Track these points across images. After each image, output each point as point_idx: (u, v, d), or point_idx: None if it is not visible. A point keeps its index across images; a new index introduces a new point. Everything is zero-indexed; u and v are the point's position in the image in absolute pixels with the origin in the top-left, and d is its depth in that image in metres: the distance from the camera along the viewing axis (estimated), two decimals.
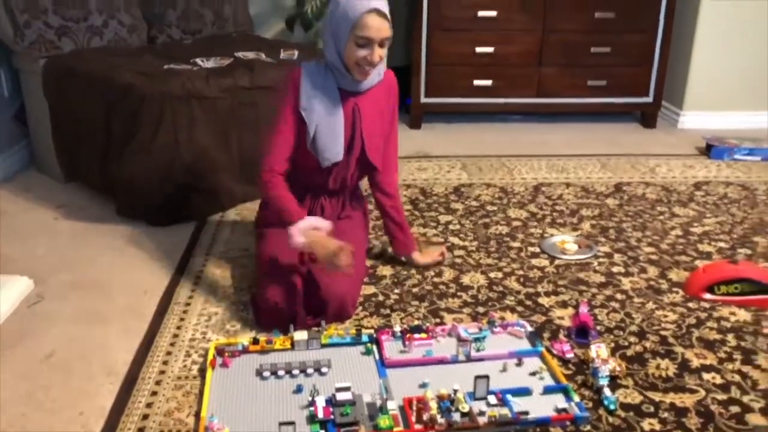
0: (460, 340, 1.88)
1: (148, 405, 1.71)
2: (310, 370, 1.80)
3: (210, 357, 1.84)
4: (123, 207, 2.79)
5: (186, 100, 2.67)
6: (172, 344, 1.97)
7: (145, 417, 1.67)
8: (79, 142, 2.93)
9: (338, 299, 2.03)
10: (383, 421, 1.59)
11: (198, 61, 2.94)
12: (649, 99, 4.09)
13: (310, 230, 1.98)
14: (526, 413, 1.63)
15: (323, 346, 1.91)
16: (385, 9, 1.99)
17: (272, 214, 2.15)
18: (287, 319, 1.97)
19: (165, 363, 1.88)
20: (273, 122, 2.12)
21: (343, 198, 2.31)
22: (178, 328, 2.04)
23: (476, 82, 3.95)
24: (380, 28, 1.97)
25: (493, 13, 3.87)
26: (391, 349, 1.91)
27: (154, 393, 1.76)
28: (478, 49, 3.91)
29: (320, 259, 1.95)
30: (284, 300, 1.98)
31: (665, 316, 2.10)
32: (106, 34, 3.17)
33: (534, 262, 2.45)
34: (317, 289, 2.03)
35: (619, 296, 2.22)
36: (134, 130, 2.65)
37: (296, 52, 3.17)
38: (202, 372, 1.83)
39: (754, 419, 1.65)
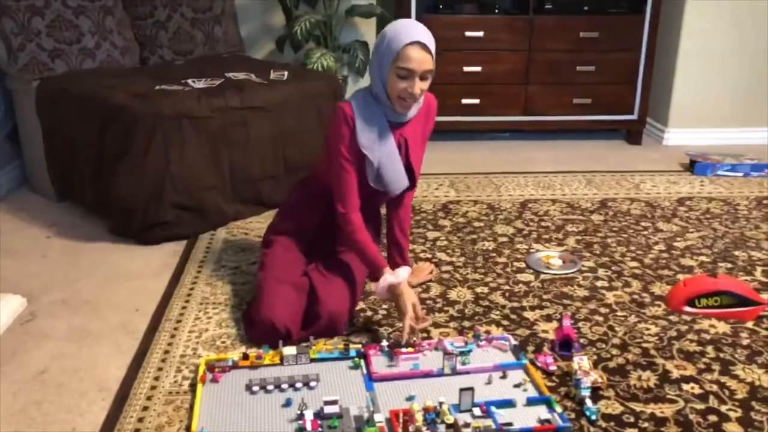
0: (446, 354, 1.92)
1: (140, 420, 1.74)
2: (298, 384, 1.84)
3: (200, 372, 1.87)
4: (115, 225, 2.83)
5: (177, 119, 2.72)
6: (163, 360, 2.00)
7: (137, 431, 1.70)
8: (71, 161, 2.97)
9: (332, 316, 2.07)
10: None
11: (189, 81, 3.00)
12: (634, 116, 4.17)
13: (395, 287, 2.05)
14: (510, 424, 1.67)
15: (312, 360, 1.95)
16: (429, 43, 2.01)
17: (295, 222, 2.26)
18: (280, 338, 2.01)
19: (156, 379, 1.91)
20: (330, 162, 2.13)
21: (378, 222, 2.38)
22: (169, 344, 2.08)
23: (464, 101, 4.02)
24: (422, 60, 1.99)
25: (480, 34, 3.95)
26: (379, 363, 1.94)
27: (146, 408, 1.79)
28: (466, 69, 3.99)
29: (399, 308, 2.05)
30: (283, 323, 2.02)
31: (647, 329, 2.15)
32: (98, 55, 3.22)
33: (519, 277, 2.50)
34: (313, 302, 2.08)
35: (602, 310, 2.27)
36: (126, 150, 2.70)
37: (286, 73, 3.23)
38: (193, 387, 1.86)
39: (731, 428, 1.70)
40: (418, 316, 2.04)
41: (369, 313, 2.24)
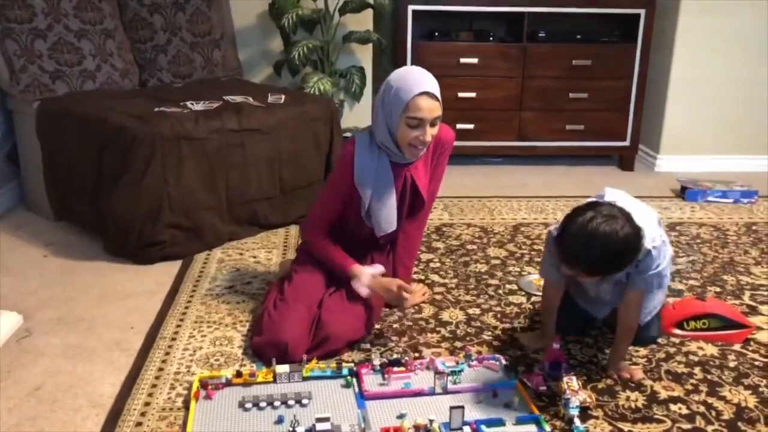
0: (438, 373, 1.94)
1: None
2: (291, 402, 1.86)
3: (194, 389, 1.89)
4: (111, 245, 2.86)
5: (175, 140, 2.76)
6: (157, 377, 2.02)
7: None
8: (70, 181, 3.01)
9: (339, 339, 2.11)
10: None
11: (188, 103, 3.04)
12: (626, 143, 4.23)
13: (371, 280, 2.14)
14: None
15: (304, 378, 1.97)
16: (436, 91, 2.06)
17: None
18: (286, 358, 2.02)
19: (150, 395, 1.93)
20: (321, 190, 2.26)
21: (389, 250, 2.42)
22: (163, 362, 2.10)
23: (459, 126, 4.07)
24: (431, 108, 2.04)
25: (474, 60, 4.02)
26: (371, 382, 1.96)
27: (139, 424, 1.80)
28: (461, 94, 4.05)
29: (389, 301, 2.16)
30: (295, 344, 2.04)
31: (636, 351, 2.17)
32: (98, 77, 3.28)
33: (511, 298, 2.53)
34: (319, 324, 2.12)
35: (592, 332, 2.29)
36: (124, 170, 2.74)
37: (283, 96, 3.28)
38: (186, 404, 1.88)
39: None
40: (408, 291, 2.12)
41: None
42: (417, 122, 2.04)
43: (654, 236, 1.93)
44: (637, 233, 1.81)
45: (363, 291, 2.15)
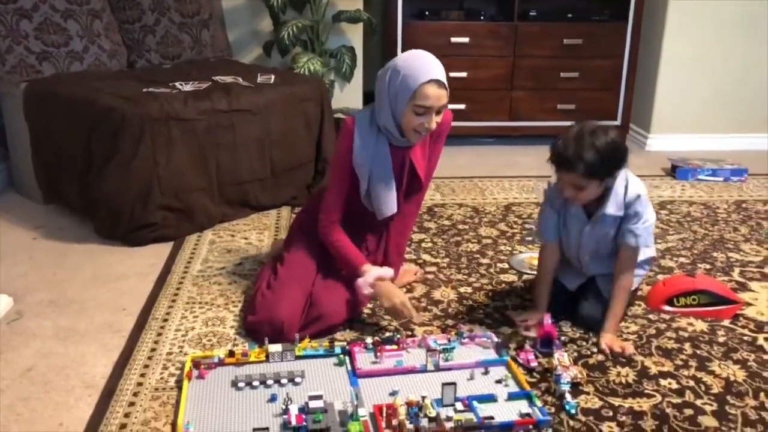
0: (430, 351, 1.95)
1: (126, 415, 1.76)
2: (284, 380, 1.87)
3: (186, 369, 1.89)
4: (101, 227, 2.84)
5: (165, 121, 2.74)
6: (149, 358, 2.02)
7: (123, 426, 1.72)
8: (59, 163, 2.99)
9: (331, 317, 2.11)
10: (354, 427, 1.65)
11: (177, 84, 3.02)
12: (617, 122, 4.23)
13: (376, 281, 2.11)
14: (491, 418, 1.70)
15: (297, 357, 1.98)
16: (444, 78, 2.03)
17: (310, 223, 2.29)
18: (281, 337, 2.03)
19: (142, 376, 1.93)
20: (330, 172, 2.23)
21: (383, 231, 2.38)
22: (156, 342, 2.10)
23: (450, 106, 4.04)
24: (439, 96, 2.02)
25: (465, 40, 4.00)
26: (363, 360, 1.97)
27: (132, 404, 1.81)
28: (452, 74, 3.98)
29: (385, 309, 2.12)
30: (290, 322, 2.05)
31: (627, 327, 2.19)
32: (86, 58, 3.24)
33: (502, 277, 2.54)
34: (311, 304, 2.12)
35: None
36: (114, 152, 2.72)
37: (273, 77, 3.26)
38: (179, 383, 1.88)
39: (707, 421, 1.74)
40: (411, 312, 2.09)
41: None
42: (424, 110, 2.03)
43: (642, 187, 2.10)
44: (621, 140, 2.06)
45: (365, 290, 2.11)
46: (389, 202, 2.21)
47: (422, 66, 2.02)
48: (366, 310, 2.27)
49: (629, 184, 2.08)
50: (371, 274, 2.12)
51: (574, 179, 2.02)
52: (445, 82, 2.04)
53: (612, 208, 2.07)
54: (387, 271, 2.16)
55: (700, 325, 2.20)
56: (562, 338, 2.11)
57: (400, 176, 2.23)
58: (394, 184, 2.20)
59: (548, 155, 2.09)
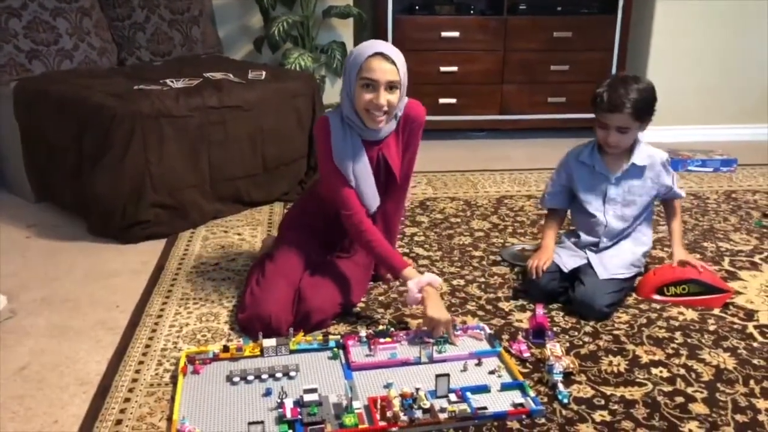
0: (423, 343, 1.96)
1: (122, 411, 1.76)
2: (278, 375, 1.87)
3: (181, 364, 1.90)
4: (94, 225, 2.84)
5: (156, 118, 2.74)
6: (144, 354, 2.02)
7: (119, 422, 1.72)
8: (50, 162, 2.98)
9: (320, 312, 2.12)
10: (348, 419, 1.66)
11: (167, 81, 3.02)
12: None
13: (426, 286, 2.06)
14: (485, 408, 1.72)
15: (292, 352, 1.99)
16: (393, 55, 2.05)
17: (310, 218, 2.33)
18: (272, 332, 2.03)
19: (137, 372, 1.93)
20: (321, 171, 2.24)
21: None
22: (150, 339, 2.10)
23: (441, 101, 4.08)
24: (384, 70, 2.03)
25: (455, 34, 4.01)
26: (357, 353, 1.98)
27: (127, 400, 1.81)
28: (443, 69, 4.04)
29: (428, 319, 2.03)
30: (278, 318, 2.05)
31: (618, 317, 2.21)
32: (76, 57, 3.24)
33: (495, 269, 2.55)
34: (299, 299, 2.13)
35: (560, 298, 2.31)
36: (105, 149, 2.72)
37: (264, 73, 3.26)
38: (174, 379, 1.89)
39: (697, 408, 1.76)
40: (448, 331, 2.05)
41: None
42: (370, 82, 2.04)
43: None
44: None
45: (414, 295, 2.05)
46: (373, 198, 2.22)
47: (371, 44, 2.09)
48: (360, 304, 2.28)
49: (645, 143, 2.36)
50: (423, 278, 2.07)
51: (622, 120, 2.20)
52: (395, 60, 2.05)
53: (638, 158, 2.31)
54: (436, 279, 2.11)
55: (691, 314, 2.22)
56: (554, 329, 2.13)
57: (377, 172, 2.23)
58: (373, 180, 2.21)
59: (591, 101, 2.27)
